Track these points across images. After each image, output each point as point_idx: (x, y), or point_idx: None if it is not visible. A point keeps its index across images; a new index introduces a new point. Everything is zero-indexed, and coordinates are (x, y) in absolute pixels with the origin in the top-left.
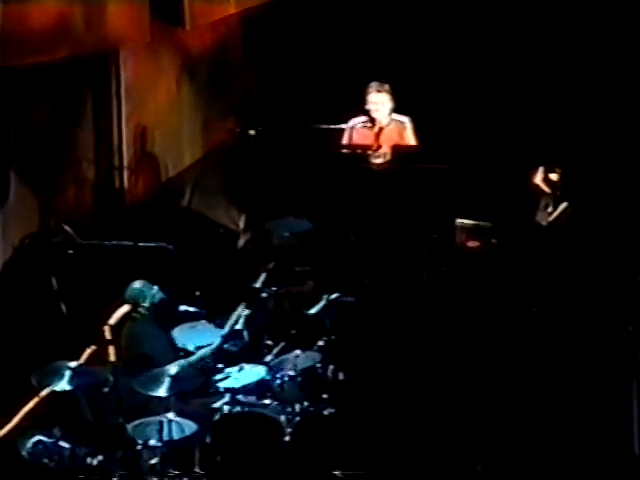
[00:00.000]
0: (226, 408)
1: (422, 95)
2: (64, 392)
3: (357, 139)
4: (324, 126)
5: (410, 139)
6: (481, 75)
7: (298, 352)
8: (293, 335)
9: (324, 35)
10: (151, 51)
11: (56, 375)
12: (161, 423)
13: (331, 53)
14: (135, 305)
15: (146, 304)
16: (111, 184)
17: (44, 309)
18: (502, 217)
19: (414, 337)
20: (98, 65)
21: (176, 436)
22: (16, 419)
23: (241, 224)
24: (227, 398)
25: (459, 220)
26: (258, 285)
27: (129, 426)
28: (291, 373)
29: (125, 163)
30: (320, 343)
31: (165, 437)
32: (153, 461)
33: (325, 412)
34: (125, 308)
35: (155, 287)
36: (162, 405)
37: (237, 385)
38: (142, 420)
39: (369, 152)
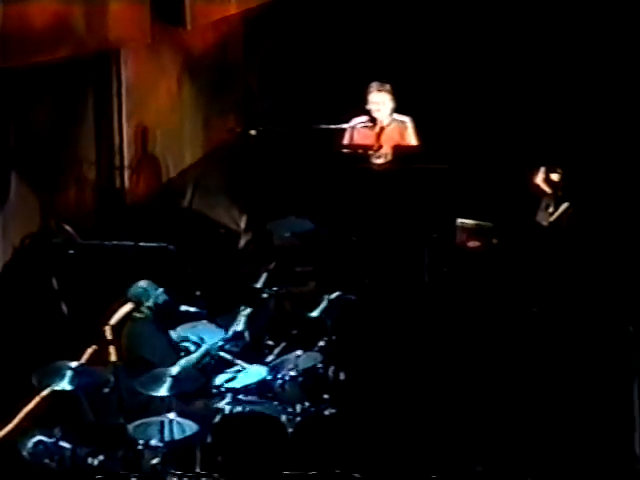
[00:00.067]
0: (227, 408)
1: (423, 95)
2: (65, 392)
3: (358, 139)
4: (325, 126)
5: (411, 139)
6: (482, 75)
7: (299, 352)
8: (294, 335)
9: (325, 35)
10: (152, 51)
11: (57, 375)
12: (162, 423)
13: (332, 53)
14: (138, 304)
15: (149, 304)
16: (112, 184)
17: (45, 309)
18: (503, 217)
19: (415, 337)
20: (99, 65)
21: (177, 436)
22: (17, 419)
23: (242, 224)
24: (228, 398)
25: (460, 220)
26: (259, 285)
27: (130, 426)
28: (292, 373)
29: (126, 163)
30: (321, 343)
31: (166, 437)
32: (154, 461)
33: (326, 412)
34: (127, 308)
35: (160, 289)
36: (163, 405)
37: (238, 385)
38: (143, 420)
39: (370, 152)
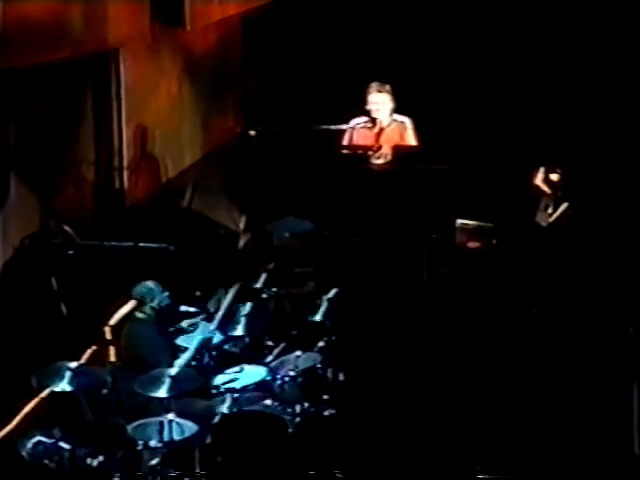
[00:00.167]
0: (227, 409)
1: (423, 96)
2: (64, 393)
3: (358, 140)
4: (324, 126)
5: (411, 140)
6: (482, 76)
7: (299, 353)
8: (294, 336)
9: (325, 35)
10: (151, 51)
11: (56, 376)
12: (161, 424)
13: (332, 53)
14: (141, 303)
15: (153, 305)
16: (111, 184)
17: (44, 310)
18: (502, 218)
19: (414, 338)
20: (98, 65)
21: (176, 437)
22: (16, 420)
23: (242, 225)
24: (228, 399)
25: (460, 221)
26: (259, 286)
27: (129, 427)
28: (292, 374)
29: (125, 163)
30: (320, 344)
31: (165, 438)
32: (153, 462)
33: (326, 413)
34: (127, 308)
35: (166, 292)
36: (162, 406)
37: (238, 386)
38: (142, 421)
39: (370, 153)
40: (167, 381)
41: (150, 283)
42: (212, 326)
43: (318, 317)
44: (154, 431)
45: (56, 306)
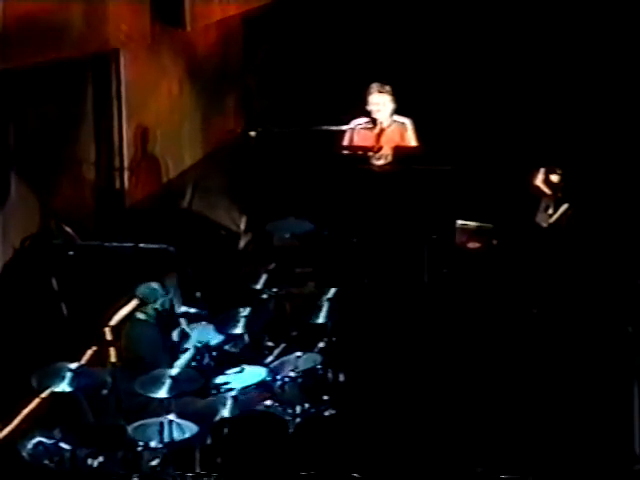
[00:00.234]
0: (227, 410)
1: (423, 96)
2: (65, 393)
3: (358, 140)
4: (325, 127)
5: (411, 140)
6: (482, 76)
7: (299, 353)
8: (294, 336)
9: (325, 36)
10: (152, 51)
11: (57, 376)
12: (162, 424)
13: (332, 54)
14: (143, 303)
15: (156, 306)
16: (112, 185)
17: (44, 310)
18: (503, 218)
19: (415, 338)
20: (99, 65)
21: (177, 437)
22: (17, 420)
23: (242, 225)
24: (228, 400)
25: (460, 221)
26: (259, 286)
27: (130, 427)
28: (292, 374)
29: (126, 164)
30: (321, 345)
31: (166, 438)
32: (154, 462)
33: (326, 413)
34: (128, 308)
35: (169, 295)
36: (163, 406)
37: (238, 386)
38: (143, 421)
39: (370, 153)
40: (167, 382)
41: (154, 284)
42: (211, 329)
43: (321, 320)
44: (154, 432)
45: (56, 307)
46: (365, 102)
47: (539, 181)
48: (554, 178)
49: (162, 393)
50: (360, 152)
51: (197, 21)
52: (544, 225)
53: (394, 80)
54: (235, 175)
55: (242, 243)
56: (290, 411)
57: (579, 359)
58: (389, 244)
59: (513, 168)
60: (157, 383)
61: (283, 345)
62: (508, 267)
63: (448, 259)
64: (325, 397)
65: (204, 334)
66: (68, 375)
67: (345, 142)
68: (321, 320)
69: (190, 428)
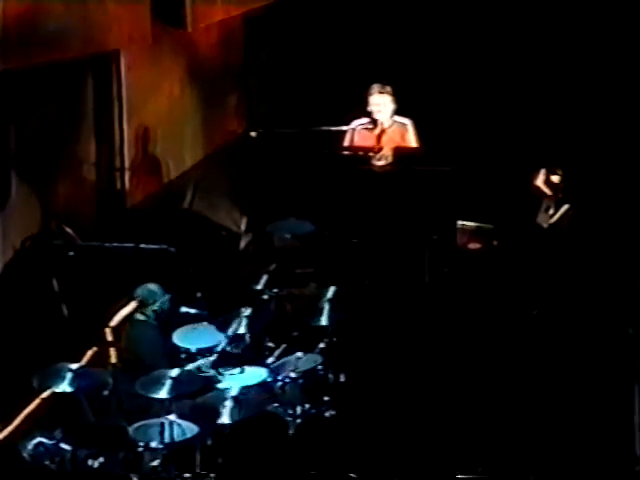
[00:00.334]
0: (227, 410)
1: (424, 97)
2: (65, 394)
3: (359, 141)
4: (326, 128)
5: (412, 141)
6: (483, 77)
7: (299, 354)
8: (294, 337)
9: (326, 37)
10: (153, 52)
11: (57, 377)
12: (162, 425)
13: (333, 55)
14: (142, 305)
15: (155, 307)
16: (112, 185)
17: (45, 311)
18: (503, 219)
19: (415, 338)
20: (99, 66)
21: (177, 438)
22: (17, 421)
23: (243, 226)
24: (229, 400)
25: (461, 222)
26: (259, 287)
27: (130, 428)
28: (292, 375)
29: (126, 164)
30: (321, 345)
31: (166, 439)
32: (154, 463)
33: (327, 414)
34: (128, 309)
35: (168, 296)
36: (163, 407)
37: (239, 387)
38: (143, 422)
39: (371, 154)
40: (168, 382)
41: (153, 286)
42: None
43: (324, 321)
44: (155, 432)
45: (57, 307)
46: (366, 103)
47: (540, 182)
48: (555, 179)
49: (163, 394)
50: (361, 153)
51: (198, 21)
52: (545, 226)
53: (395, 81)
54: (236, 176)
55: (243, 244)
56: (291, 412)
57: (580, 360)
58: (390, 245)
59: (514, 169)
60: (158, 384)
61: (284, 346)
62: (509, 268)
63: (449, 260)
64: (326, 398)
65: (211, 340)
66: (69, 376)
67: (346, 143)
68: (322, 322)
69: (191, 429)
